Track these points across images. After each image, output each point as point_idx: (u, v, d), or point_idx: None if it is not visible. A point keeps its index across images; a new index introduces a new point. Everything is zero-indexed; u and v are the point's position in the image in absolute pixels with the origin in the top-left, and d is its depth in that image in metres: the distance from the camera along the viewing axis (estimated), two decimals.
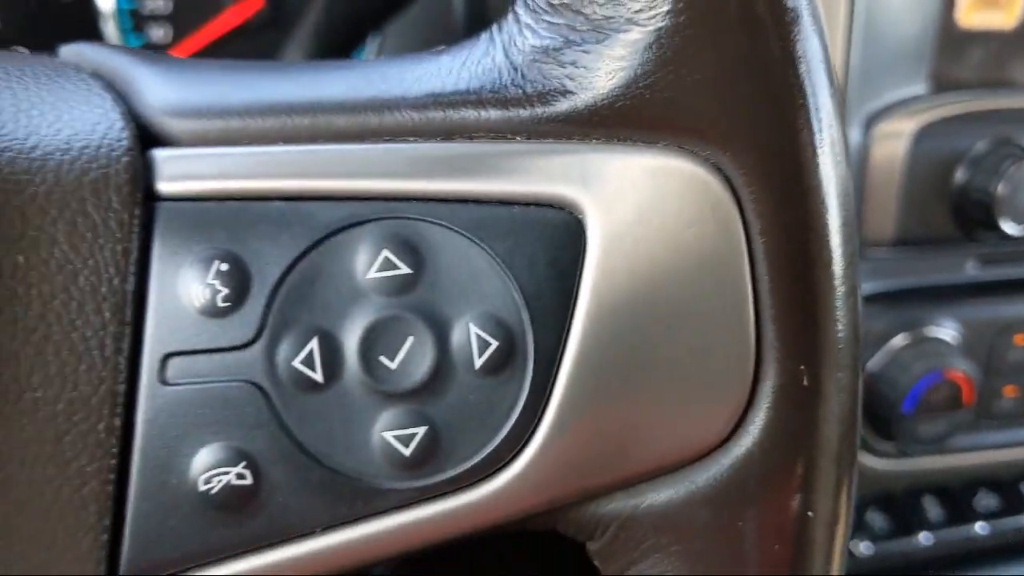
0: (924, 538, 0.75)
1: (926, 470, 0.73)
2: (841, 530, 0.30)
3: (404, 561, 0.30)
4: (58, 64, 0.30)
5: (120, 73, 0.30)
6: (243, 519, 0.27)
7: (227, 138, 0.28)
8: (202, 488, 0.27)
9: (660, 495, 0.30)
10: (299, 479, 0.27)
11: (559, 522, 0.30)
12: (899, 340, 0.66)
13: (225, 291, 0.27)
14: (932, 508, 0.76)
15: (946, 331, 0.67)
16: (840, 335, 0.29)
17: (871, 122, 0.64)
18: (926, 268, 0.68)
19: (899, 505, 0.76)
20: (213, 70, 0.30)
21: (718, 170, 0.28)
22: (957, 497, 0.77)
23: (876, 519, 0.74)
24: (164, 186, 0.27)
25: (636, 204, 0.28)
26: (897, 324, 0.66)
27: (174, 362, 0.27)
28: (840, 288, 0.28)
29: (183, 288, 0.27)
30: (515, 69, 0.28)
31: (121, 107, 0.28)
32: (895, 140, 0.65)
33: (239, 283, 0.27)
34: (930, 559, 0.76)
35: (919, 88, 0.66)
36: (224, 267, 0.27)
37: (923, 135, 0.65)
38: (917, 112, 0.65)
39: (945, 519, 0.76)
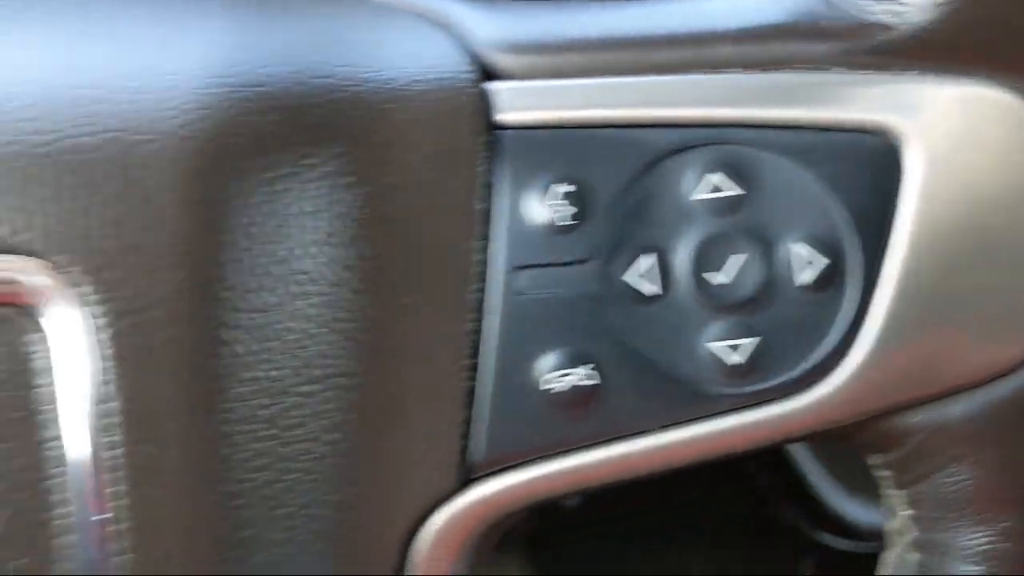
0: None
1: None
2: None
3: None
4: (382, 6, 0.32)
5: (444, 13, 0.32)
6: (584, 416, 0.29)
7: (557, 71, 0.30)
8: (548, 388, 0.29)
9: (962, 407, 0.31)
10: (636, 382, 0.29)
11: (860, 433, 0.32)
12: None
13: (567, 211, 0.29)
14: None
15: None
16: None
17: None
18: None
19: None
20: (531, 8, 0.32)
21: None
22: None
23: None
24: (504, 116, 0.29)
25: (953, 133, 0.29)
26: None
27: (522, 274, 0.29)
28: None
29: (529, 209, 0.29)
30: (829, 2, 0.30)
31: (457, 43, 0.30)
32: None
33: (579, 204, 0.29)
34: None
35: None
36: (565, 190, 0.29)
37: None
38: None
39: None
